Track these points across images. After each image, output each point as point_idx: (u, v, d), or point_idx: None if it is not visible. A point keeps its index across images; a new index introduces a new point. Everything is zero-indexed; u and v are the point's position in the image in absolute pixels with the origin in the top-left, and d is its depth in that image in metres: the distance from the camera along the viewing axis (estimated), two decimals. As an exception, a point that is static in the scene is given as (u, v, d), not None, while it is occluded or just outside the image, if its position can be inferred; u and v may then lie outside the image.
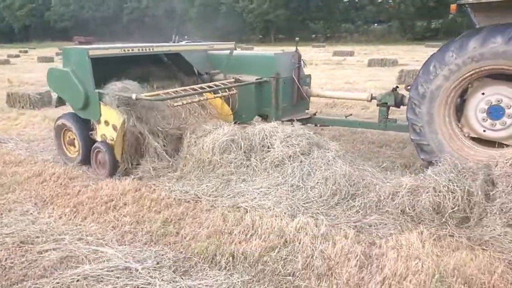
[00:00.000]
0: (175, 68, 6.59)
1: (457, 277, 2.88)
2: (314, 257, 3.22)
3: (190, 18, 61.08)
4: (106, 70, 5.16)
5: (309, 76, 6.64)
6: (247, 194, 4.33)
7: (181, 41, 7.35)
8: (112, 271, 3.11)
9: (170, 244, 3.53)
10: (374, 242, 3.47)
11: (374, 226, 3.73)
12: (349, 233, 3.55)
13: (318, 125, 6.47)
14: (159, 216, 3.98)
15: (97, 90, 5.07)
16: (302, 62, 6.28)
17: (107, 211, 4.14)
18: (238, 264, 3.19)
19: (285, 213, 3.93)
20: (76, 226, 3.87)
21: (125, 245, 3.53)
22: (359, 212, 3.94)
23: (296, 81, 6.19)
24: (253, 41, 51.61)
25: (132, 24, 68.37)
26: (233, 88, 5.88)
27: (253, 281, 3.01)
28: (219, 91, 5.73)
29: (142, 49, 5.70)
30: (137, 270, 3.13)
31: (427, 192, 3.78)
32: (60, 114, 5.90)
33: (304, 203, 4.09)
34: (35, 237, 3.63)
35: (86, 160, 5.46)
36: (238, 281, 2.98)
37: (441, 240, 3.42)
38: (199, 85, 5.58)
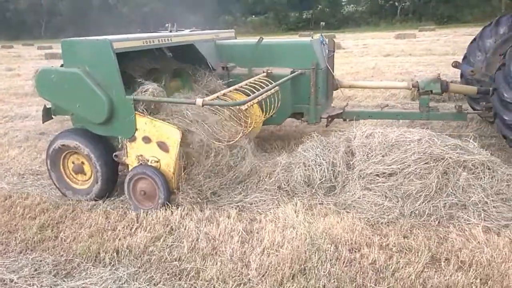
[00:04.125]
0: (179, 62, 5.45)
1: (325, 238, 3.25)
2: (199, 240, 3.36)
3: (59, 12, 56.56)
4: None
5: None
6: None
7: (180, 30, 5.80)
8: (-18, 286, 2.89)
9: (48, 249, 3.38)
10: (254, 218, 3.72)
11: (254, 204, 3.99)
12: (232, 213, 3.75)
13: (348, 120, 5.60)
14: (35, 222, 3.76)
15: (131, 96, 3.87)
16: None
17: (-28, 225, 3.79)
18: (123, 258, 3.18)
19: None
20: None
21: (-3, 257, 3.28)
22: (241, 193, 4.17)
23: (331, 71, 5.52)
24: (132, 35, 49.76)
25: (-10, 20, 61.06)
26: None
27: (139, 271, 3.03)
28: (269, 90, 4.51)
29: (161, 40, 4.57)
30: (12, 281, 2.96)
31: (298, 168, 4.15)
32: None
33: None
34: None
35: (106, 190, 4.25)
36: (124, 274, 2.98)
37: (312, 209, 3.80)
38: (244, 83, 4.68)
